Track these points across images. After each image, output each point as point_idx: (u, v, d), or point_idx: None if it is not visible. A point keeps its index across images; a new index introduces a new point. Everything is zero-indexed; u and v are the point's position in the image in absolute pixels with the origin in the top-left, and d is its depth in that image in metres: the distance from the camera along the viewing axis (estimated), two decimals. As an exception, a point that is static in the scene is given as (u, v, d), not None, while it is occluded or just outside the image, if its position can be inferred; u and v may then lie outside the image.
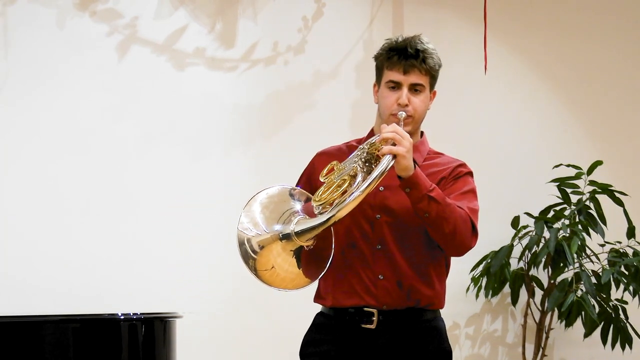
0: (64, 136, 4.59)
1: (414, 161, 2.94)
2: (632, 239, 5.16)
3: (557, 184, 5.22)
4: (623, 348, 5.07)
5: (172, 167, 4.75)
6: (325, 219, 2.79)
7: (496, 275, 5.14)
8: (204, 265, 4.73)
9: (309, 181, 3.09)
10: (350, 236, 3.00)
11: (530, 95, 5.52)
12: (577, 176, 5.19)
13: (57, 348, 3.47)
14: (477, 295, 5.19)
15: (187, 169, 4.77)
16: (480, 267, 5.18)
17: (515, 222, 5.24)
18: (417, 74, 3.02)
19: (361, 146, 2.95)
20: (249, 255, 2.84)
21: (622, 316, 5.10)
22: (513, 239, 5.19)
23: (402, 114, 2.98)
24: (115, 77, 4.69)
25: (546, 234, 5.09)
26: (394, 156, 2.83)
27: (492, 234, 5.23)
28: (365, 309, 2.98)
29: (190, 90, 4.82)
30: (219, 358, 4.77)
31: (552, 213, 5.20)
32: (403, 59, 3.01)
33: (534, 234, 5.13)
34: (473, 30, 5.23)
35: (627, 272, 5.04)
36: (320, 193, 2.87)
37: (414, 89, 3.03)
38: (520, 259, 5.18)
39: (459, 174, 3.06)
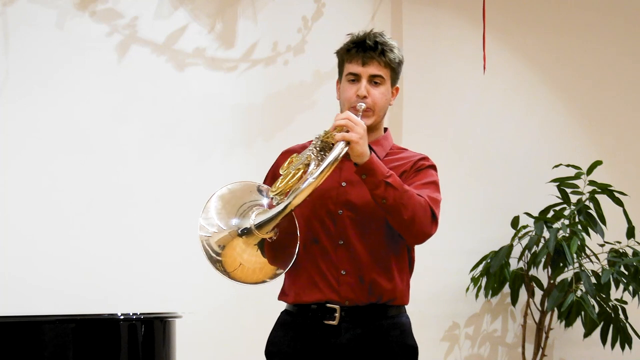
0: (64, 136, 4.59)
1: (371, 148, 2.94)
2: (632, 239, 5.16)
3: (556, 184, 5.22)
4: (623, 348, 5.07)
5: (172, 166, 4.75)
6: (281, 207, 2.81)
7: (496, 275, 5.14)
8: (204, 265, 4.72)
9: (274, 179, 3.08)
10: (312, 231, 3.00)
11: (530, 95, 5.53)
12: (577, 176, 5.19)
13: (57, 348, 3.48)
14: (476, 295, 5.19)
15: (187, 168, 4.77)
16: (480, 267, 5.19)
17: (515, 222, 5.24)
18: (375, 66, 3.02)
19: (316, 136, 2.97)
20: (214, 259, 2.87)
21: (621, 316, 5.11)
22: (513, 239, 5.19)
23: (362, 105, 2.99)
24: (115, 77, 4.69)
25: (546, 234, 5.09)
26: (348, 143, 2.84)
27: (492, 234, 5.25)
28: (328, 304, 2.97)
29: (190, 91, 4.82)
30: (218, 358, 4.77)
31: (551, 213, 5.20)
32: (361, 50, 3.04)
33: (533, 234, 5.14)
34: (472, 30, 5.23)
35: (626, 272, 5.04)
36: (277, 184, 2.90)
37: (374, 81, 3.03)
38: (520, 259, 5.19)
39: (421, 167, 3.06)
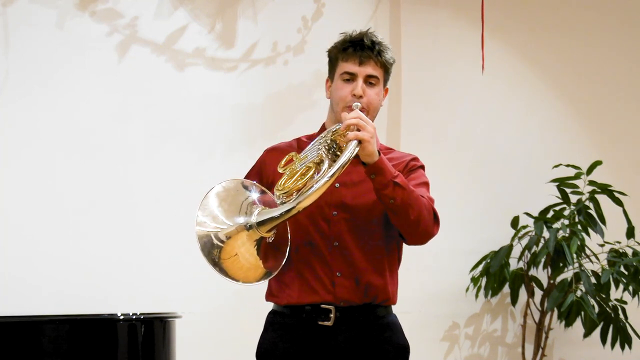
0: (64, 136, 4.59)
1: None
2: (632, 239, 5.16)
3: (556, 184, 5.23)
4: (622, 348, 5.07)
5: (172, 166, 4.76)
6: (289, 207, 2.74)
7: (496, 275, 5.14)
8: (204, 265, 4.72)
9: (260, 178, 3.05)
10: (307, 234, 2.97)
11: (530, 95, 5.53)
12: (577, 176, 5.19)
13: (57, 348, 3.48)
14: (476, 295, 5.20)
15: (187, 168, 4.78)
16: (480, 267, 5.19)
17: (515, 222, 5.24)
18: (372, 66, 3.00)
19: (322, 134, 2.93)
20: (215, 245, 2.79)
21: (621, 316, 5.11)
22: (513, 239, 5.19)
23: (358, 105, 2.94)
24: (116, 77, 4.70)
25: (546, 234, 5.09)
26: (359, 142, 2.81)
27: (492, 234, 5.25)
28: (323, 306, 2.95)
29: (190, 91, 4.82)
30: (218, 358, 4.77)
31: (551, 213, 5.20)
32: (359, 49, 3.00)
33: (533, 234, 5.14)
34: (472, 30, 5.23)
35: (626, 272, 5.05)
36: (282, 182, 2.84)
37: (369, 81, 3.00)
38: (519, 259, 5.19)
39: (413, 167, 3.06)
